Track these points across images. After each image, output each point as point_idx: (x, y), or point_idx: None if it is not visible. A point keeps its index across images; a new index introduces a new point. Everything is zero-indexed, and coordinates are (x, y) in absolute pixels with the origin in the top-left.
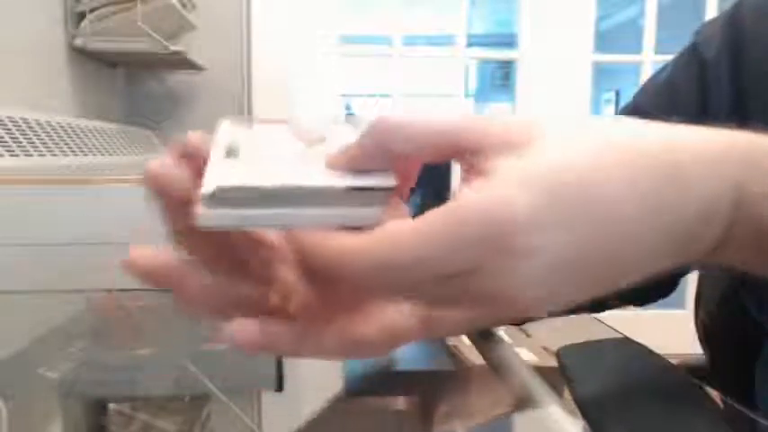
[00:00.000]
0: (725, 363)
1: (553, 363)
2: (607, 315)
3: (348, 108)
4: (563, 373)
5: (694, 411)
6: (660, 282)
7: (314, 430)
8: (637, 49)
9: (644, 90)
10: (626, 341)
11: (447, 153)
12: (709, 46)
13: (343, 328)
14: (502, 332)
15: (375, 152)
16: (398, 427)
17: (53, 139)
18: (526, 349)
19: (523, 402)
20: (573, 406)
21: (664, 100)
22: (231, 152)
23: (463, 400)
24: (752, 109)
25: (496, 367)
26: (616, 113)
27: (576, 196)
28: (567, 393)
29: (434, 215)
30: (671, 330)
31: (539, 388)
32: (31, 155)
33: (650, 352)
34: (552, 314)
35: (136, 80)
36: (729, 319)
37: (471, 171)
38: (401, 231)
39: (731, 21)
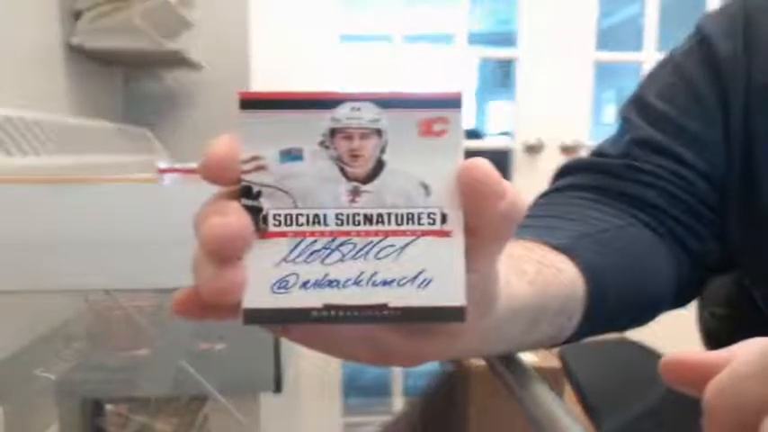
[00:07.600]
0: None
1: (555, 363)
2: None
3: None
4: (565, 373)
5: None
6: (685, 292)
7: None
8: (638, 47)
9: (659, 92)
10: (627, 341)
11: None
12: (725, 41)
13: None
14: None
15: None
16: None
17: (50, 138)
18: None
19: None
20: (574, 405)
21: (686, 100)
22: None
23: (463, 399)
24: (755, 109)
25: (494, 366)
26: (620, 113)
27: None
28: (568, 393)
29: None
30: (671, 330)
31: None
32: (27, 154)
33: (651, 351)
34: None
35: (134, 79)
36: (736, 318)
37: None
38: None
39: (743, 17)
